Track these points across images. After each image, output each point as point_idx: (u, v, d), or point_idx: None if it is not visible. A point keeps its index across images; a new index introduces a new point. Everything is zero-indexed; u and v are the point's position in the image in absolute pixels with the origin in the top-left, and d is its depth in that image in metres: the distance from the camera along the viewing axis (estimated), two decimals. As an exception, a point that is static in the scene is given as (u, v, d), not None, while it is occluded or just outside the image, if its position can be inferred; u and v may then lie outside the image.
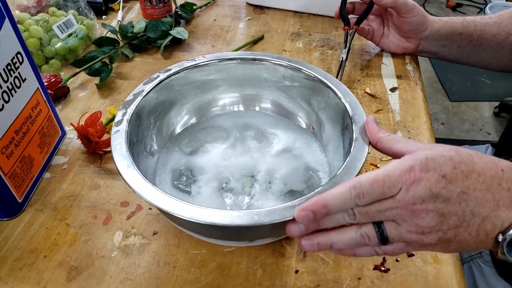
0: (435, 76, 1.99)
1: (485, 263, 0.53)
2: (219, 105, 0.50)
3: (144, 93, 0.42)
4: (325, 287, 0.37)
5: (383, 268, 0.38)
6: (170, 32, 0.67)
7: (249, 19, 0.76)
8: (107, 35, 0.65)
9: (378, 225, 0.29)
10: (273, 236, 0.37)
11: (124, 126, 0.38)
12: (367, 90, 0.59)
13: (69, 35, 0.62)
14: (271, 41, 0.70)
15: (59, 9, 0.65)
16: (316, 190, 0.31)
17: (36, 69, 0.45)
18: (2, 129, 0.40)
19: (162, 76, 0.44)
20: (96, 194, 0.45)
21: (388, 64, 0.65)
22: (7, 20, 0.39)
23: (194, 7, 0.76)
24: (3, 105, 0.40)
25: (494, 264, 0.52)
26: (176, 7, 0.73)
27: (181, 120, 0.48)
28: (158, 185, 0.41)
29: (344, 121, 0.40)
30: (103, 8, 0.74)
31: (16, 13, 0.61)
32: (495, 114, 1.75)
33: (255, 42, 0.69)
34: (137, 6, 0.79)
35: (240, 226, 0.29)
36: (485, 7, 2.06)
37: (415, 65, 0.65)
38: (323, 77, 0.43)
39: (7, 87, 0.40)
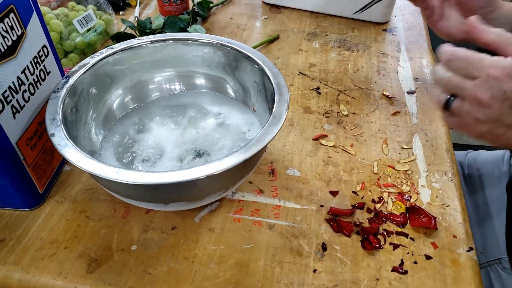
0: (445, 80, 1.98)
1: (503, 269, 0.53)
2: (155, 81, 0.51)
3: (88, 66, 0.44)
4: (343, 287, 0.37)
5: (401, 270, 0.39)
6: (187, 29, 0.67)
7: (265, 18, 0.76)
8: (125, 31, 0.66)
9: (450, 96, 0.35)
10: (185, 200, 0.38)
11: (62, 93, 0.40)
12: (385, 92, 0.59)
13: (88, 30, 0.62)
14: (287, 41, 0.70)
15: (78, 3, 0.65)
16: (223, 157, 0.34)
17: (59, 63, 0.45)
18: (28, 120, 0.40)
19: (110, 51, 0.46)
20: (115, 188, 0.46)
21: (405, 67, 0.65)
22: (35, 13, 0.40)
23: (211, 5, 0.76)
24: (29, 97, 0.40)
25: None
26: (194, 5, 0.73)
27: (119, 96, 0.49)
28: (103, 157, 0.44)
29: (270, 100, 0.43)
30: (121, 4, 0.75)
31: (37, 6, 0.62)
32: (505, 119, 1.74)
33: (271, 41, 0.69)
34: (154, 2, 0.80)
35: (140, 184, 0.32)
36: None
37: (432, 68, 0.65)
38: (260, 60, 0.45)
39: (33, 79, 0.41)
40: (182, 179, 0.33)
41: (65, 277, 0.38)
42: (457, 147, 0.53)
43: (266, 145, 0.37)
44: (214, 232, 0.41)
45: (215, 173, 0.33)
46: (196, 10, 0.72)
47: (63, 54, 0.61)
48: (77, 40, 0.60)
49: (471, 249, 0.41)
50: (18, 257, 0.39)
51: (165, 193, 0.37)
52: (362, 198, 0.45)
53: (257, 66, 0.45)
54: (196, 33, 0.51)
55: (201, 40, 0.48)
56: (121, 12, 0.75)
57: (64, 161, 0.48)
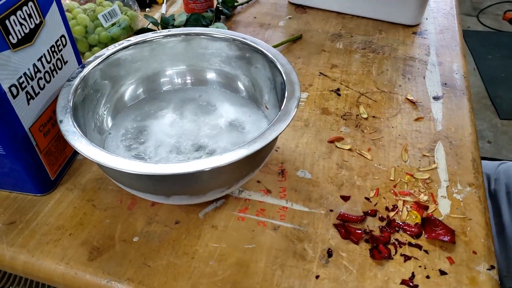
0: (485, 91, 1.88)
1: None
2: (167, 75, 0.51)
3: (103, 57, 0.44)
4: (345, 296, 0.35)
5: (411, 284, 0.36)
6: (209, 27, 0.67)
7: (289, 18, 0.75)
8: (148, 27, 0.67)
9: None
10: (187, 194, 0.37)
11: (75, 82, 0.41)
12: (409, 96, 0.57)
13: (113, 25, 0.64)
14: (310, 41, 0.68)
15: (106, -1, 0.67)
16: (224, 152, 0.33)
17: (78, 53, 0.46)
18: (43, 107, 0.41)
19: (125, 44, 0.46)
20: (124, 179, 0.46)
21: (433, 71, 0.62)
22: (54, 3, 0.41)
23: (236, 3, 0.76)
24: (44, 85, 0.41)
25: None
26: (218, 3, 0.73)
27: (131, 87, 0.49)
28: (110, 145, 0.44)
29: (280, 99, 0.41)
30: (147, 1, 0.76)
31: (66, 1, 0.64)
32: (549, 135, 1.63)
33: (293, 41, 0.68)
34: (180, 0, 0.81)
35: (139, 174, 0.32)
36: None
37: (463, 74, 0.61)
38: (273, 56, 0.44)
39: (49, 68, 0.41)
40: (182, 171, 0.32)
41: (67, 263, 0.38)
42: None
43: (272, 142, 0.35)
44: (217, 229, 0.41)
45: (215, 167, 0.32)
46: (220, 8, 0.72)
47: (87, 48, 0.63)
48: (100, 34, 0.61)
49: (492, 267, 0.37)
50: (26, 240, 0.40)
51: (166, 185, 0.36)
52: (375, 205, 0.43)
53: (270, 62, 0.43)
54: (212, 28, 0.50)
55: (214, 35, 0.47)
56: (147, 9, 0.77)
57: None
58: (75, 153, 0.48)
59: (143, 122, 0.47)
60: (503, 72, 1.97)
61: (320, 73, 0.61)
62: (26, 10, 0.37)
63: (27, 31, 0.38)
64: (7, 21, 0.35)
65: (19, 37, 0.37)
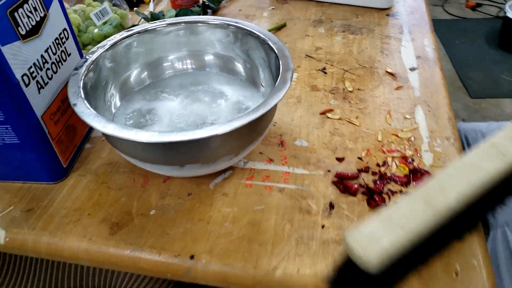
0: (456, 74, 1.98)
1: None
2: (168, 60, 0.55)
3: (106, 47, 0.48)
4: (350, 240, 0.39)
5: (406, 224, 0.40)
6: (197, 20, 0.71)
7: (272, 8, 0.79)
8: (139, 23, 0.69)
9: None
10: (199, 162, 0.40)
11: (82, 70, 0.44)
12: (388, 69, 0.61)
13: (104, 23, 0.66)
14: (294, 28, 0.73)
15: (94, 0, 0.69)
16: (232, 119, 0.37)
17: (79, 47, 0.49)
18: (52, 97, 0.44)
19: (126, 34, 0.50)
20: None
21: (407, 47, 0.67)
22: (56, -3, 0.44)
23: (220, -2, 0.80)
24: (52, 75, 0.43)
25: None
26: (203, -2, 0.77)
27: (134, 74, 0.53)
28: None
29: (275, 76, 0.45)
30: (135, 1, 0.79)
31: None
32: (517, 110, 1.73)
33: (278, 29, 0.72)
34: (165, -1, 0.84)
35: (156, 143, 0.36)
36: (505, 5, 2.04)
37: (433, 47, 0.66)
38: (265, 36, 0.47)
39: (55, 59, 0.44)
40: (196, 137, 0.35)
41: (90, 239, 0.41)
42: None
43: (272, 110, 0.39)
44: (227, 196, 0.44)
45: (226, 132, 0.35)
46: (206, 3, 0.76)
47: (81, 46, 0.65)
48: (94, 32, 0.64)
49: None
50: (46, 223, 0.42)
51: (180, 155, 0.39)
52: (367, 163, 0.47)
53: (263, 43, 0.47)
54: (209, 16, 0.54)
55: (210, 22, 0.51)
56: (135, 9, 0.79)
57: (86, 139, 0.51)
58: (84, 141, 0.51)
59: (149, 105, 0.50)
60: (471, 56, 2.08)
61: (306, 55, 0.65)
62: (31, 4, 0.40)
63: (34, 23, 0.40)
64: (15, 14, 0.38)
65: (27, 28, 0.39)
